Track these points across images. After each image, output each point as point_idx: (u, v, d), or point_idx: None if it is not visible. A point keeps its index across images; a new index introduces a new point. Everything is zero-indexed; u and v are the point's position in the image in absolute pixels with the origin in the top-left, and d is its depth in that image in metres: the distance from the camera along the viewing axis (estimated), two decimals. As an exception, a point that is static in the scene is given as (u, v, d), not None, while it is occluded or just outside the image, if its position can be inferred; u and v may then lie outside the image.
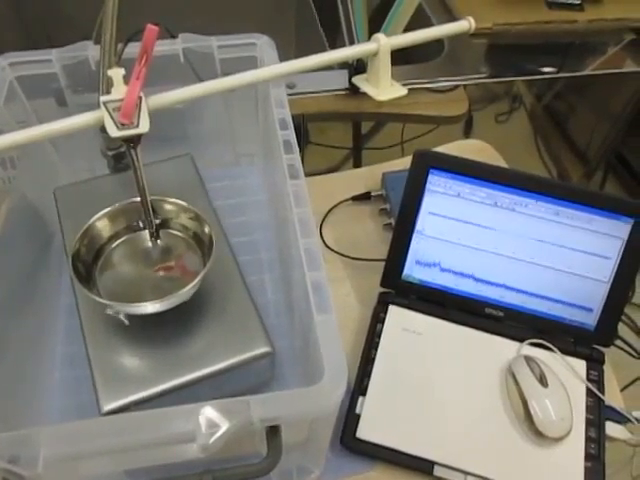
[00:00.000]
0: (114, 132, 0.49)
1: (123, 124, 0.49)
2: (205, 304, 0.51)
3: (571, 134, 1.87)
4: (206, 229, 0.52)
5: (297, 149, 0.50)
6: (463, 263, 0.64)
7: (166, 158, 0.63)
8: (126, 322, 0.49)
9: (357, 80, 0.63)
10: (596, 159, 1.69)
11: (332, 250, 0.72)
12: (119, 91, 0.48)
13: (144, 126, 0.49)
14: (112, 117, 0.48)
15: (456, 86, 0.96)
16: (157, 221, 0.54)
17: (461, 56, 0.92)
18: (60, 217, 0.58)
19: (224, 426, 0.35)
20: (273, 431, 0.38)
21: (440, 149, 0.88)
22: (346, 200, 0.77)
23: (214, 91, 0.53)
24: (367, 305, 0.67)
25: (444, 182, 0.62)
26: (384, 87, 0.59)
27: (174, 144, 0.68)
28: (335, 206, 0.77)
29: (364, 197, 0.77)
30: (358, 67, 0.80)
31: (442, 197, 0.63)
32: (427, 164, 0.62)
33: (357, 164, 1.30)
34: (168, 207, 0.55)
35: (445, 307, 0.65)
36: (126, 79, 0.48)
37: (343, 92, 0.87)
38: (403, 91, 0.60)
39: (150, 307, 0.46)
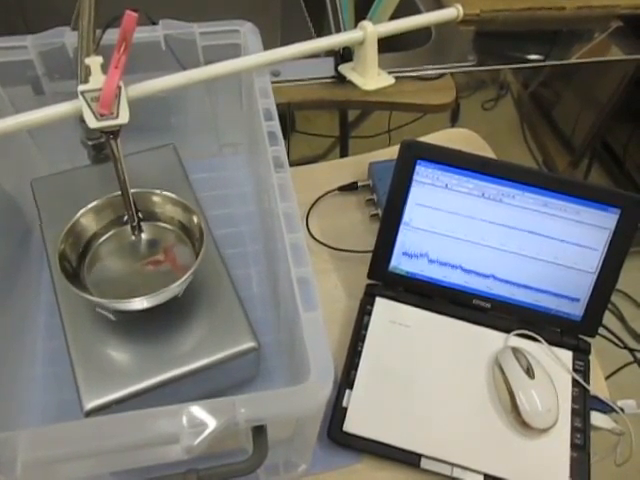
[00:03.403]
0: (93, 123, 0.47)
1: (102, 115, 0.47)
2: (190, 299, 0.50)
3: (557, 121, 1.87)
4: (195, 220, 0.51)
5: (282, 141, 0.49)
6: (451, 254, 0.64)
7: (148, 148, 0.61)
8: (112, 317, 0.47)
9: (344, 69, 0.62)
10: (582, 147, 1.70)
11: (318, 241, 0.71)
12: (97, 80, 0.46)
13: (124, 117, 0.48)
14: (90, 107, 0.47)
15: (443, 74, 0.95)
16: (140, 215, 0.52)
17: (448, 44, 0.91)
18: (39, 210, 0.57)
19: (209, 427, 0.34)
20: (259, 430, 0.37)
21: (427, 138, 0.87)
22: (332, 190, 0.76)
23: (196, 80, 0.51)
24: (354, 297, 0.66)
25: (431, 173, 0.61)
26: (371, 76, 0.58)
27: (155, 134, 0.66)
28: (321, 196, 0.76)
29: (351, 187, 0.76)
30: (345, 55, 0.79)
31: (429, 188, 0.62)
32: (414, 155, 0.61)
33: (344, 153, 1.29)
34: (154, 199, 0.53)
35: (432, 299, 0.65)
36: (104, 68, 0.47)
37: (329, 80, 0.85)
38: (390, 80, 0.59)
39: (138, 303, 0.45)
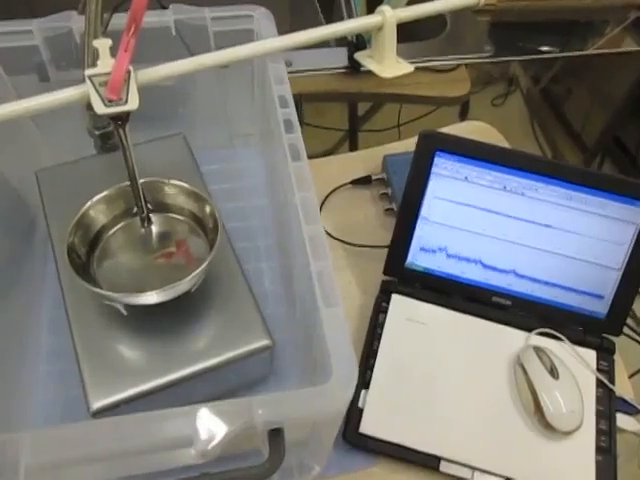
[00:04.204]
0: (101, 109, 0.45)
1: (110, 100, 0.45)
2: (201, 294, 0.48)
3: (567, 117, 1.84)
4: (208, 210, 0.48)
5: (299, 128, 0.46)
6: (470, 250, 0.61)
7: (157, 138, 0.59)
8: (123, 312, 0.45)
9: (360, 56, 0.59)
10: (593, 143, 1.67)
11: (331, 236, 0.69)
12: (106, 64, 0.44)
13: (133, 103, 0.45)
14: (98, 92, 0.45)
15: (458, 65, 0.92)
16: (150, 206, 0.50)
17: (464, 34, 0.89)
18: (43, 201, 0.54)
19: (224, 430, 0.32)
20: (276, 433, 0.35)
21: (442, 130, 0.85)
22: (345, 184, 0.74)
23: (209, 65, 0.49)
24: (369, 294, 0.64)
25: (451, 165, 0.59)
26: (389, 64, 0.56)
27: (163, 125, 0.64)
28: (334, 190, 0.74)
29: (364, 181, 0.74)
30: (358, 44, 0.77)
31: (448, 181, 0.60)
32: (433, 146, 0.59)
33: (353, 147, 1.26)
34: (165, 189, 0.51)
35: (450, 296, 0.63)
36: (113, 51, 0.44)
37: (342, 71, 0.83)
38: (409, 68, 0.57)
39: (149, 298, 0.43)
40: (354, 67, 0.78)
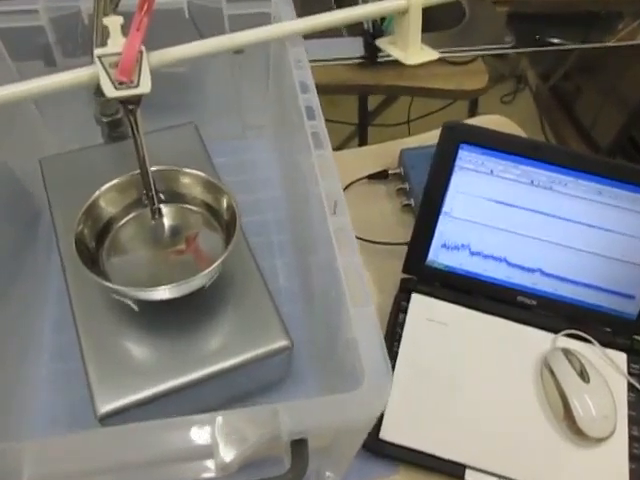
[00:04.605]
0: (111, 92, 0.42)
1: (121, 82, 0.42)
2: (215, 291, 0.45)
3: (578, 116, 1.81)
4: (225, 202, 0.46)
5: (321, 115, 0.43)
6: (494, 247, 0.58)
7: (167, 127, 0.56)
8: (135, 308, 0.42)
9: (381, 43, 0.56)
10: (605, 142, 1.64)
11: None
12: (116, 43, 0.41)
13: (145, 86, 0.43)
14: (108, 74, 0.42)
15: (474, 58, 0.90)
16: (162, 196, 0.47)
17: (482, 25, 0.86)
18: (47, 191, 0.52)
19: (247, 440, 0.29)
20: (300, 443, 0.32)
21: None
22: (361, 179, 0.71)
23: (225, 48, 0.46)
24: (386, 293, 0.61)
25: (475, 158, 0.56)
26: (414, 50, 0.53)
27: (173, 114, 0.61)
28: (349, 185, 0.71)
29: (380, 175, 0.71)
30: (375, 33, 0.74)
31: (473, 175, 0.57)
32: (457, 138, 0.56)
33: (362, 142, 1.23)
34: (178, 178, 0.48)
35: (472, 295, 0.60)
36: (124, 31, 0.42)
37: (357, 61, 0.80)
38: (434, 55, 0.54)
39: (160, 293, 0.40)
40: (371, 57, 0.75)
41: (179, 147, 0.54)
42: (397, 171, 0.71)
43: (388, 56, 0.74)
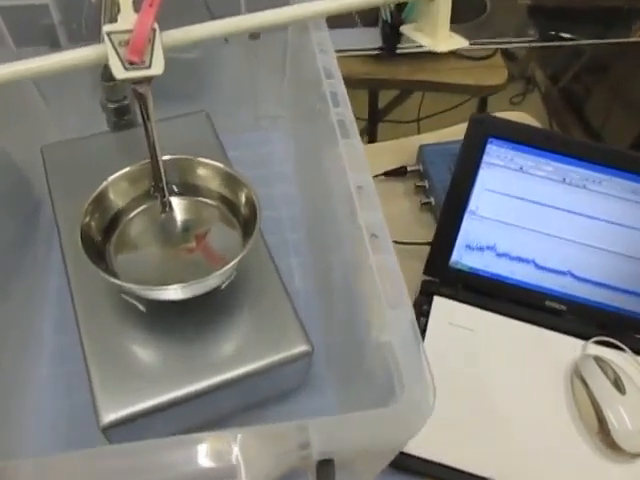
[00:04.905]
0: (120, 73, 0.39)
1: (131, 63, 0.39)
2: (231, 292, 0.41)
3: (588, 118, 1.78)
4: (243, 195, 0.42)
5: (347, 101, 0.40)
6: (522, 248, 0.55)
7: (177, 115, 0.53)
8: (141, 308, 0.39)
9: (406, 29, 0.53)
10: (615, 144, 1.60)
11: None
12: (128, 20, 0.38)
13: (158, 67, 0.39)
14: (118, 53, 0.38)
15: (494, 52, 0.86)
16: (176, 188, 0.44)
17: (504, 18, 0.82)
18: (49, 181, 0.48)
19: (272, 460, 0.25)
20: (327, 463, 0.29)
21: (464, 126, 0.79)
22: (378, 175, 0.68)
23: (243, 29, 0.43)
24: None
25: (504, 153, 0.53)
26: (442, 36, 0.49)
27: (181, 103, 0.57)
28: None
29: (398, 172, 0.68)
30: (394, 22, 0.70)
31: (501, 171, 0.53)
32: (485, 132, 0.53)
33: (372, 138, 1.20)
34: (193, 168, 0.45)
35: (498, 299, 0.56)
36: (136, 6, 0.38)
37: (374, 53, 0.76)
38: (464, 42, 0.50)
39: (172, 293, 0.37)
40: (389, 48, 0.72)
41: (190, 136, 0.50)
42: (416, 168, 0.68)
43: (407, 47, 0.71)
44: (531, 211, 0.54)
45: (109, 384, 0.38)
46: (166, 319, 0.40)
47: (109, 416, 0.37)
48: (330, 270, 0.46)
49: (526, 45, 0.80)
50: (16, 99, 0.54)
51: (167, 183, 0.42)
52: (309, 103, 0.48)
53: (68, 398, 0.45)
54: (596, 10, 0.91)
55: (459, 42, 0.50)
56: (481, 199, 0.55)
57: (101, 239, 0.41)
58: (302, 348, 0.40)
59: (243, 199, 0.43)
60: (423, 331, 0.54)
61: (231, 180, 0.43)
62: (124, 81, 0.39)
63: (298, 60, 0.51)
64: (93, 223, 0.40)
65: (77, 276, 0.42)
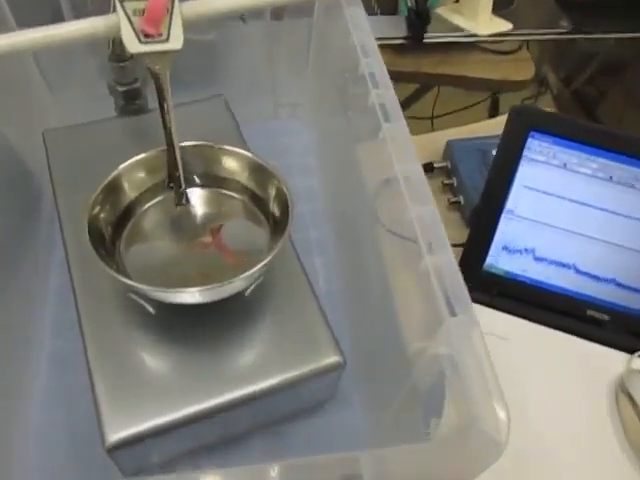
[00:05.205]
0: (134, 46, 0.34)
1: (147, 35, 0.34)
2: (253, 296, 0.37)
3: (601, 121, 1.74)
4: (273, 188, 0.38)
5: (389, 82, 0.36)
6: (563, 252, 0.51)
7: (193, 100, 0.48)
8: (153, 311, 0.34)
9: (444, 11, 0.49)
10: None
11: (389, 232, 0.58)
12: (143, -14, 0.33)
13: (176, 41, 0.35)
14: (132, 24, 0.34)
15: (520, 46, 0.82)
16: (197, 178, 0.39)
17: (533, 9, 0.78)
18: (51, 169, 0.44)
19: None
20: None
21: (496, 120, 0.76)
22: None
23: (269, 3, 0.38)
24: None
25: (547, 148, 0.49)
26: (484, 19, 0.45)
27: (195, 89, 0.53)
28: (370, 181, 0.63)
29: (425, 169, 0.63)
30: (420, 9, 0.66)
31: (543, 167, 0.49)
32: (527, 124, 0.49)
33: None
34: (220, 157, 0.40)
35: (535, 306, 0.52)
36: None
37: (398, 42, 0.72)
38: (507, 25, 0.46)
39: (189, 296, 0.32)
40: (416, 37, 0.67)
41: (207, 123, 0.46)
42: (443, 164, 0.64)
43: (434, 37, 0.67)
44: (574, 212, 0.50)
45: (116, 398, 0.34)
46: (181, 325, 0.36)
47: (115, 435, 0.32)
48: (361, 271, 0.41)
49: (557, 37, 0.76)
50: (17, 82, 0.49)
51: (186, 173, 0.38)
52: (338, 88, 0.43)
53: (68, 412, 0.40)
54: (623, 3, 0.87)
55: (502, 25, 0.46)
56: (520, 198, 0.50)
57: (111, 233, 0.36)
58: (334, 359, 0.35)
59: (273, 193, 0.38)
60: (455, 340, 0.50)
61: (260, 171, 0.39)
62: (138, 56, 0.35)
63: (325, 41, 0.47)
64: (102, 215, 0.35)
65: (81, 275, 0.37)
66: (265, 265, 0.32)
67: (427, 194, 0.30)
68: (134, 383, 0.34)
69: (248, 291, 0.36)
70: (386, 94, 0.34)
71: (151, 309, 0.36)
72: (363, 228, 0.40)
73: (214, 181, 0.40)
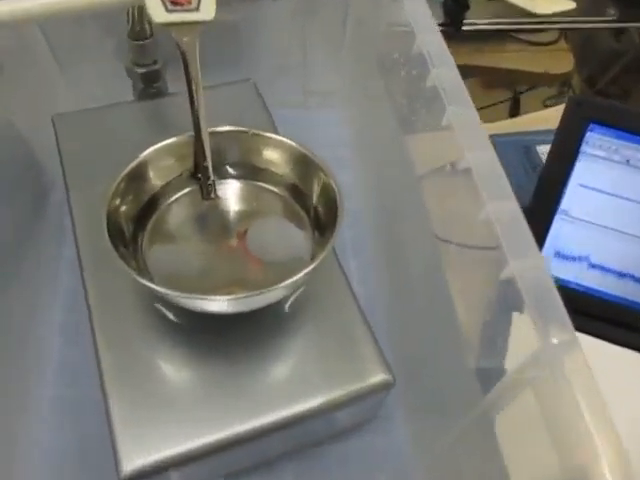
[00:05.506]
0: (160, 15, 0.30)
1: (175, 2, 0.30)
2: (291, 306, 0.32)
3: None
4: (321, 185, 0.33)
5: (452, 60, 0.31)
6: (623, 258, 0.46)
7: (220, 83, 0.44)
8: (177, 320, 0.30)
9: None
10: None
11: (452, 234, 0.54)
12: (172, -54, 0.29)
13: (207, 11, 0.31)
14: (158, -11, 0.30)
15: (558, 38, 0.77)
16: (230, 168, 0.34)
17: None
18: (62, 158, 0.39)
19: None
20: None
21: (539, 114, 0.71)
22: (438, 169, 0.59)
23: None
24: (475, 311, 0.48)
25: (608, 143, 0.44)
26: (544, -4, 0.41)
27: (217, 72, 0.48)
28: (423, 176, 0.58)
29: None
30: (459, -6, 0.61)
31: (602, 164, 0.45)
32: (587, 116, 0.44)
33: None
34: (256, 145, 0.35)
35: (593, 319, 0.47)
36: None
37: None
38: (570, 4, 0.42)
39: (220, 305, 0.28)
40: (454, 24, 0.63)
41: (235, 108, 0.41)
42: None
43: (473, 24, 0.62)
44: (636, 213, 0.45)
45: (133, 421, 0.29)
46: (209, 337, 0.31)
47: (133, 464, 0.28)
48: (406, 275, 0.37)
49: (604, 26, 0.71)
50: (25, 62, 0.45)
51: (216, 162, 0.33)
52: (382, 71, 0.39)
53: (77, 431, 0.35)
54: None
55: (564, 3, 0.42)
56: (576, 197, 0.46)
57: (132, 229, 0.31)
58: (382, 377, 0.31)
59: (317, 188, 0.33)
60: (502, 354, 0.45)
61: (303, 162, 0.34)
62: (165, 26, 0.30)
63: (364, 18, 0.42)
64: (123, 208, 0.31)
65: (95, 275, 0.33)
66: (310, 272, 0.28)
67: (506, 187, 0.26)
68: (154, 403, 0.29)
69: (288, 302, 0.31)
70: (449, 74, 0.30)
71: (175, 317, 0.31)
72: (413, 228, 0.36)
73: (249, 172, 0.35)
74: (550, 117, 0.63)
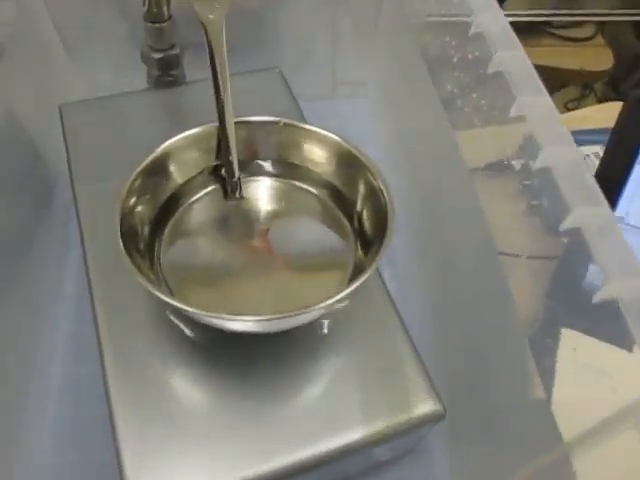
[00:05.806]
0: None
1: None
2: (327, 327, 0.28)
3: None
4: (366, 186, 0.29)
5: (518, 42, 0.27)
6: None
7: (245, 71, 0.40)
8: (192, 335, 0.26)
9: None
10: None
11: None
12: None
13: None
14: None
15: (594, 34, 0.73)
16: (262, 162, 0.30)
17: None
18: (68, 151, 0.35)
19: None
20: None
21: (580, 112, 0.67)
22: (475, 169, 0.55)
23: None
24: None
25: (671, 143, 0.40)
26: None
27: (239, 62, 0.44)
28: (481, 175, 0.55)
29: (501, 166, 0.55)
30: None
31: (665, 166, 0.40)
32: (648, 113, 0.40)
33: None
34: (293, 139, 0.31)
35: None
36: None
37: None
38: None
39: (246, 325, 0.24)
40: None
41: (262, 97, 0.37)
42: (523, 162, 0.55)
43: (515, 16, 0.58)
44: (702, 222, 0.41)
45: (144, 453, 0.25)
46: (232, 358, 0.27)
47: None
48: (452, 289, 0.33)
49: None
50: (30, 47, 0.41)
51: (242, 157, 0.29)
52: (427, 59, 0.35)
53: (82, 456, 0.31)
54: None
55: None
56: (633, 204, 0.41)
57: (149, 232, 0.27)
58: (432, 408, 0.27)
59: (363, 191, 0.29)
60: (551, 374, 0.41)
61: (347, 160, 0.30)
62: (187, 1, 0.27)
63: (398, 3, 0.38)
64: (139, 208, 0.27)
65: (103, 284, 0.29)
66: (351, 290, 0.24)
67: (596, 190, 0.22)
68: (167, 434, 0.26)
69: (327, 323, 0.27)
70: (517, 56, 0.26)
71: (192, 332, 0.27)
72: (466, 237, 0.32)
73: (280, 169, 0.31)
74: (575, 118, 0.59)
